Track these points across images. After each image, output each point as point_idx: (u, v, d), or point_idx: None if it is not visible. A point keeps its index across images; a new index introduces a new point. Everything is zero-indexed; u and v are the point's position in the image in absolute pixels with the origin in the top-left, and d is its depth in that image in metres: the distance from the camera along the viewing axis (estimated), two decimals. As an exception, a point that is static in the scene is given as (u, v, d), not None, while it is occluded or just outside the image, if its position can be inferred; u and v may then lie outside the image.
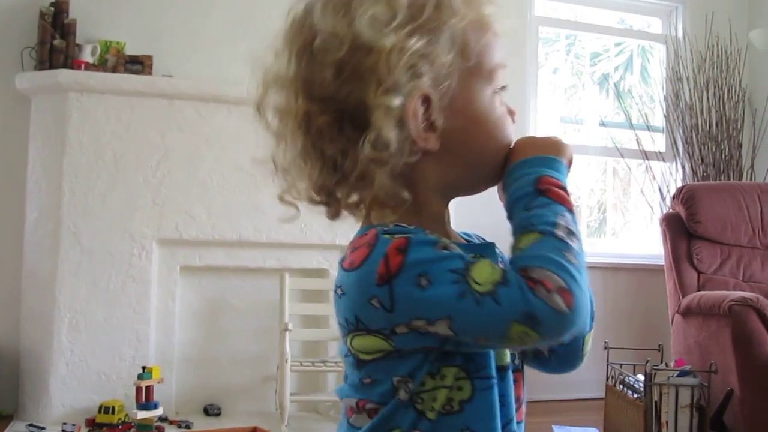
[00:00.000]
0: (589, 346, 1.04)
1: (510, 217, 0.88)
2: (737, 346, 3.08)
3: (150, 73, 3.46)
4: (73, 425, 3.04)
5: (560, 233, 0.82)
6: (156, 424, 3.11)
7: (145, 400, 3.09)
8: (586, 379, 3.97)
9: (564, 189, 0.88)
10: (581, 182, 4.85)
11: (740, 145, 4.53)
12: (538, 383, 4.12)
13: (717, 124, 4.52)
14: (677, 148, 4.58)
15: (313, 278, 3.51)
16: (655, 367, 3.21)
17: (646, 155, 4.56)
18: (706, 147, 4.49)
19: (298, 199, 0.95)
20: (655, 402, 3.16)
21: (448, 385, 0.86)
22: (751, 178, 4.51)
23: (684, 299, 3.53)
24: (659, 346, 3.53)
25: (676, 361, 3.40)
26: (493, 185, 0.96)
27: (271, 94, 0.91)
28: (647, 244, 4.67)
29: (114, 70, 3.42)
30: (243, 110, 3.25)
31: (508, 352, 0.92)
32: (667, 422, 3.14)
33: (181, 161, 3.37)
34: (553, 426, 3.58)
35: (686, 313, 3.49)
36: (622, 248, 4.75)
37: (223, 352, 3.48)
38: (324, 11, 0.86)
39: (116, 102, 3.32)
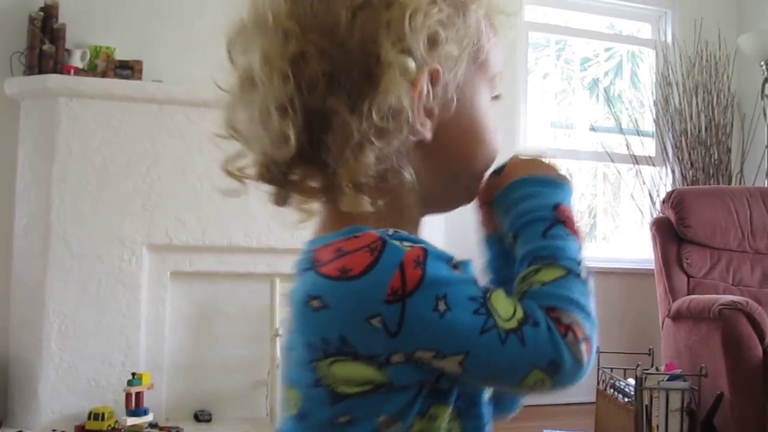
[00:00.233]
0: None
1: (515, 234, 0.79)
2: (727, 350, 3.08)
3: (140, 78, 3.45)
4: (63, 432, 3.03)
5: (584, 275, 0.76)
6: (146, 430, 3.09)
7: (135, 407, 3.08)
8: (577, 384, 3.98)
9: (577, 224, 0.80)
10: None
11: (729, 150, 4.55)
12: (529, 388, 4.13)
13: (706, 129, 4.54)
14: (667, 153, 4.60)
15: (303, 283, 3.49)
16: (645, 371, 3.21)
17: (636, 160, 4.58)
18: (695, 151, 4.51)
19: (245, 174, 0.80)
20: (646, 406, 3.16)
21: (440, 428, 0.74)
22: (740, 183, 4.53)
23: (674, 303, 3.54)
24: (650, 350, 3.54)
25: (666, 365, 3.40)
26: (466, 203, 0.87)
27: (252, 38, 0.75)
28: (637, 249, 4.68)
29: (104, 75, 3.41)
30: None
31: None
32: (657, 426, 3.15)
33: (171, 166, 3.36)
34: (544, 430, 3.58)
35: (676, 317, 3.50)
36: (612, 252, 4.76)
37: (214, 358, 3.47)
38: None
39: (106, 107, 3.31)
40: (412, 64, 0.72)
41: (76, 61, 3.41)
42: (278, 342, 3.18)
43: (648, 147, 4.68)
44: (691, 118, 4.55)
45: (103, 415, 3.06)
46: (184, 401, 3.42)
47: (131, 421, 3.04)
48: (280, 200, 0.81)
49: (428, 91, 0.76)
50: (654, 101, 4.69)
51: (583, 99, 4.92)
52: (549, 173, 0.83)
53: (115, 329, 3.29)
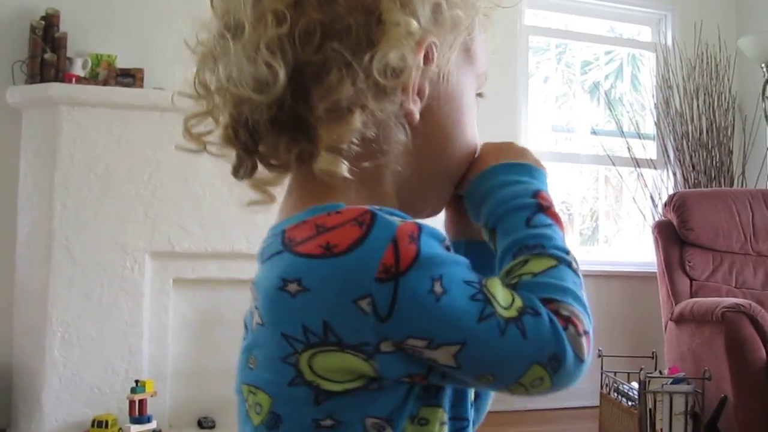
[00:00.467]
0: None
1: (494, 225, 0.73)
2: (730, 353, 3.08)
3: (141, 86, 3.46)
4: (67, 440, 3.03)
5: (575, 265, 0.69)
6: (150, 437, 3.10)
7: (139, 414, 3.08)
8: (580, 388, 3.95)
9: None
10: (573, 190, 4.86)
11: (731, 152, 4.55)
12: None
13: (707, 131, 4.54)
14: (668, 156, 4.60)
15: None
16: (649, 375, 3.21)
17: (637, 163, 4.58)
18: (696, 154, 4.51)
19: (208, 135, 0.75)
20: (650, 410, 3.16)
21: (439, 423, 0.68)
22: (742, 185, 4.53)
23: (677, 306, 3.53)
24: (653, 353, 3.54)
25: (669, 368, 3.40)
26: (437, 209, 0.82)
27: None
28: (640, 252, 4.68)
29: (105, 83, 3.41)
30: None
31: None
32: (661, 430, 3.14)
33: (173, 174, 3.36)
34: (548, 435, 3.58)
35: (679, 320, 3.50)
36: (614, 256, 4.76)
37: (217, 365, 3.47)
38: None
39: (108, 115, 3.31)
40: (417, 26, 0.67)
41: (78, 69, 3.42)
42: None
43: (649, 150, 4.68)
44: (692, 120, 4.55)
45: (106, 422, 3.06)
46: (188, 408, 3.42)
47: (135, 428, 3.04)
48: (244, 171, 0.74)
49: (422, 68, 0.70)
50: (655, 104, 4.69)
51: (583, 102, 4.93)
52: (524, 159, 0.77)
53: (118, 337, 3.29)
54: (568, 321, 0.63)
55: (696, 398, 3.15)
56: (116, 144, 3.32)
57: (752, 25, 4.68)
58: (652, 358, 3.53)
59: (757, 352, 3.04)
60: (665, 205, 3.85)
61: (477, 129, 0.80)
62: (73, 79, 3.36)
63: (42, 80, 3.34)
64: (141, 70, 3.47)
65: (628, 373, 3.43)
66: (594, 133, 4.69)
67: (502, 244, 0.70)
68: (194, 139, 0.75)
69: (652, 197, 4.58)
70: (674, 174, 4.57)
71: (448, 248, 0.64)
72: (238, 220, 3.37)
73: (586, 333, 0.64)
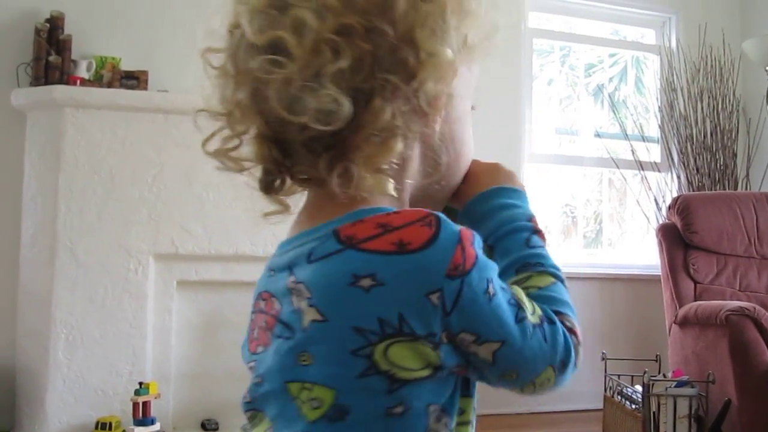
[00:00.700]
0: None
1: (495, 241, 0.80)
2: (734, 356, 3.07)
3: (146, 89, 3.47)
4: (70, 442, 3.03)
5: (565, 281, 0.79)
6: (153, 439, 3.10)
7: (143, 416, 3.08)
8: (584, 391, 3.96)
9: None
10: (577, 193, 4.86)
11: (735, 155, 4.55)
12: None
13: (711, 134, 4.53)
14: (672, 159, 4.59)
15: (309, 292, 3.49)
16: (652, 378, 3.21)
17: (641, 166, 4.58)
18: (701, 157, 4.50)
19: (242, 158, 0.78)
20: (654, 413, 3.16)
21: (469, 421, 0.74)
22: (746, 188, 4.52)
23: (681, 309, 3.53)
24: (657, 356, 3.53)
25: (673, 371, 3.40)
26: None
27: (291, 7, 0.70)
28: (644, 255, 4.67)
29: (109, 85, 3.42)
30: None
31: None
32: (665, 433, 3.14)
33: (177, 176, 3.37)
34: (551, 438, 3.58)
35: (683, 323, 3.49)
36: (618, 259, 4.75)
37: (221, 367, 3.47)
38: None
39: (112, 117, 3.32)
40: (451, 55, 0.72)
41: (82, 71, 3.42)
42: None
43: (653, 153, 4.68)
44: (696, 123, 4.54)
45: (110, 424, 3.06)
46: (191, 410, 3.42)
47: (138, 430, 3.04)
48: (272, 187, 0.77)
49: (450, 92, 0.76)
50: (659, 107, 4.69)
51: (587, 105, 4.92)
52: (514, 184, 0.85)
53: (121, 339, 3.29)
54: (572, 331, 0.72)
55: (700, 401, 3.15)
56: (120, 146, 3.32)
57: (757, 28, 4.67)
58: (656, 361, 3.52)
59: (761, 356, 3.03)
60: (669, 208, 3.85)
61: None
62: (78, 82, 3.37)
63: (46, 82, 3.35)
64: (145, 73, 3.48)
65: (632, 376, 3.43)
66: (598, 135, 4.69)
67: (505, 260, 0.78)
68: (233, 162, 0.78)
69: (656, 200, 4.58)
70: (678, 177, 4.56)
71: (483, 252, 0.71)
72: (242, 223, 3.37)
73: (581, 343, 0.73)
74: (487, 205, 0.82)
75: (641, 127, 4.73)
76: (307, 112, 0.68)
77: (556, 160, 4.70)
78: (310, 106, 0.68)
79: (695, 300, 3.56)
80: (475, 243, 0.69)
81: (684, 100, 4.58)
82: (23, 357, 3.31)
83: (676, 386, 3.17)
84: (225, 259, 3.45)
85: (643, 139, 4.67)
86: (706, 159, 4.50)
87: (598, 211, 5.03)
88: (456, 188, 0.84)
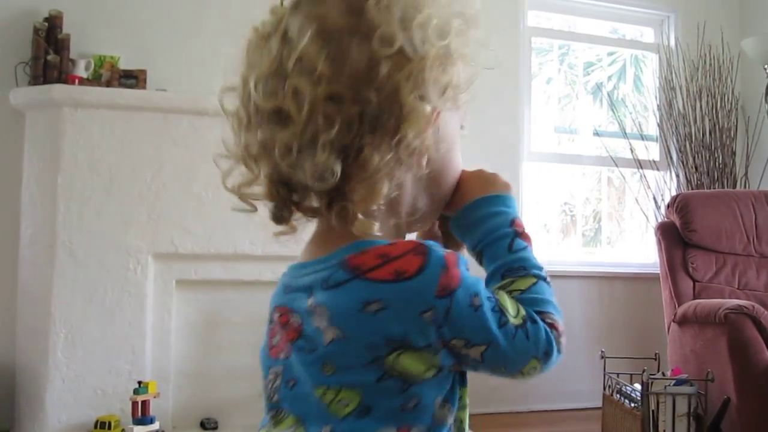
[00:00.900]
0: None
1: (483, 248, 0.93)
2: (733, 354, 3.08)
3: (144, 88, 3.47)
4: (70, 441, 3.03)
5: (547, 278, 0.90)
6: (153, 438, 3.10)
7: (142, 415, 3.08)
8: (583, 389, 3.97)
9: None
10: (576, 192, 4.86)
11: (734, 153, 4.55)
12: (536, 394, 4.11)
13: (710, 133, 4.53)
14: (671, 157, 4.60)
15: (309, 291, 3.49)
16: (651, 376, 3.21)
17: (640, 164, 4.58)
18: (699, 155, 4.50)
19: (255, 195, 0.89)
20: (653, 411, 3.16)
21: (465, 405, 0.89)
22: (745, 186, 4.53)
23: (680, 308, 3.53)
24: (656, 355, 3.53)
25: (672, 369, 3.40)
26: (430, 223, 1.00)
27: (292, 77, 0.82)
28: (642, 253, 4.68)
29: (108, 84, 3.42)
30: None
31: None
32: (664, 431, 3.14)
33: (176, 175, 3.37)
34: (551, 436, 3.58)
35: (682, 321, 3.50)
36: (617, 257, 4.76)
37: (220, 366, 3.47)
38: (378, 7, 0.83)
39: (110, 116, 3.32)
40: (429, 109, 0.83)
41: (81, 70, 3.42)
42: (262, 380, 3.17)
43: (652, 151, 4.68)
44: (695, 121, 4.54)
45: (109, 423, 3.07)
46: (191, 409, 3.42)
47: (138, 429, 3.04)
48: (282, 218, 0.90)
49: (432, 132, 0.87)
50: (658, 105, 4.69)
51: (586, 103, 4.92)
52: (498, 189, 0.96)
53: (121, 338, 3.29)
54: (552, 327, 0.85)
55: (699, 400, 3.15)
56: (119, 145, 3.32)
57: (756, 26, 4.67)
58: (655, 359, 3.52)
59: (760, 354, 3.03)
60: (668, 206, 3.85)
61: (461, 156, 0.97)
62: (76, 81, 3.37)
63: (45, 82, 3.34)
64: (144, 72, 3.48)
65: (631, 375, 3.43)
66: (597, 134, 4.69)
67: (491, 266, 0.91)
68: (246, 200, 0.90)
69: (654, 199, 4.58)
70: (677, 175, 4.56)
71: (467, 269, 0.83)
72: (241, 222, 3.35)
73: (562, 333, 0.86)
74: (473, 216, 0.94)
75: (640, 125, 4.73)
76: (305, 172, 0.81)
77: (555, 158, 4.70)
78: (308, 169, 0.81)
79: (694, 298, 3.56)
80: (460, 264, 0.81)
81: (683, 99, 4.58)
82: (23, 356, 3.31)
83: (675, 384, 3.17)
84: (224, 259, 3.45)
85: (642, 137, 4.67)
86: (705, 157, 4.50)
87: (597, 210, 5.04)
88: (446, 197, 0.96)
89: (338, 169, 0.81)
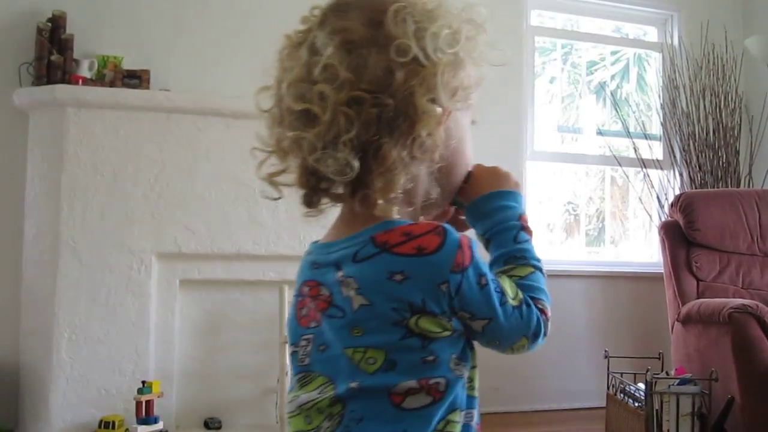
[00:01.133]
0: None
1: (491, 236, 1.06)
2: (737, 354, 3.07)
3: (147, 88, 3.47)
4: (74, 441, 3.04)
5: (543, 269, 1.04)
6: (156, 438, 3.10)
7: (146, 415, 3.08)
8: (587, 389, 3.97)
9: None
10: (580, 191, 4.85)
11: (737, 152, 4.54)
12: (540, 393, 4.11)
13: (714, 132, 4.53)
14: (675, 156, 4.59)
15: (312, 290, 3.49)
16: (655, 376, 3.21)
17: (643, 163, 4.57)
18: (703, 154, 4.50)
19: (286, 183, 1.00)
20: (657, 411, 3.16)
21: (475, 366, 1.00)
22: (748, 185, 4.52)
23: (683, 307, 3.53)
24: (659, 354, 3.53)
25: (676, 369, 3.40)
26: (442, 210, 1.11)
27: (317, 84, 0.93)
28: (646, 253, 4.67)
29: (111, 84, 3.42)
30: (241, 123, 3.28)
31: None
32: (668, 431, 3.14)
33: (179, 175, 3.37)
34: (554, 436, 3.58)
35: (686, 321, 3.49)
36: (621, 256, 4.75)
37: (223, 366, 3.48)
38: (396, 20, 0.93)
39: (114, 116, 3.32)
40: (440, 111, 0.94)
41: (84, 71, 3.42)
42: (287, 349, 3.17)
43: (656, 150, 4.67)
44: (698, 120, 4.54)
45: (113, 423, 3.07)
46: (194, 409, 3.43)
47: (142, 429, 3.04)
48: (311, 203, 1.00)
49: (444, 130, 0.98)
50: (661, 104, 4.68)
51: (590, 103, 4.92)
52: (510, 186, 1.09)
53: (124, 338, 3.29)
54: (543, 312, 0.99)
55: (703, 399, 3.15)
56: (122, 145, 3.33)
57: (759, 25, 4.66)
58: (659, 359, 3.52)
59: (764, 353, 3.03)
60: (672, 205, 3.85)
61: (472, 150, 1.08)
62: (80, 81, 3.37)
63: (49, 82, 3.35)
64: (147, 72, 3.48)
65: (635, 374, 3.42)
66: (600, 133, 4.69)
67: (496, 252, 1.05)
68: (275, 186, 1.01)
69: (658, 198, 4.57)
70: (681, 174, 4.55)
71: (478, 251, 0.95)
72: (244, 222, 3.38)
73: (549, 318, 1.00)
74: (486, 207, 1.07)
75: (643, 124, 4.72)
76: (329, 167, 0.92)
77: (559, 158, 4.70)
78: (330, 164, 0.92)
79: (698, 298, 3.55)
80: (473, 246, 0.93)
81: (686, 98, 4.57)
82: (27, 356, 3.31)
83: (678, 384, 3.17)
84: (227, 258, 3.45)
85: (646, 136, 4.66)
86: (709, 156, 4.49)
87: (600, 209, 5.03)
88: (456, 187, 1.08)
89: (356, 164, 0.92)
